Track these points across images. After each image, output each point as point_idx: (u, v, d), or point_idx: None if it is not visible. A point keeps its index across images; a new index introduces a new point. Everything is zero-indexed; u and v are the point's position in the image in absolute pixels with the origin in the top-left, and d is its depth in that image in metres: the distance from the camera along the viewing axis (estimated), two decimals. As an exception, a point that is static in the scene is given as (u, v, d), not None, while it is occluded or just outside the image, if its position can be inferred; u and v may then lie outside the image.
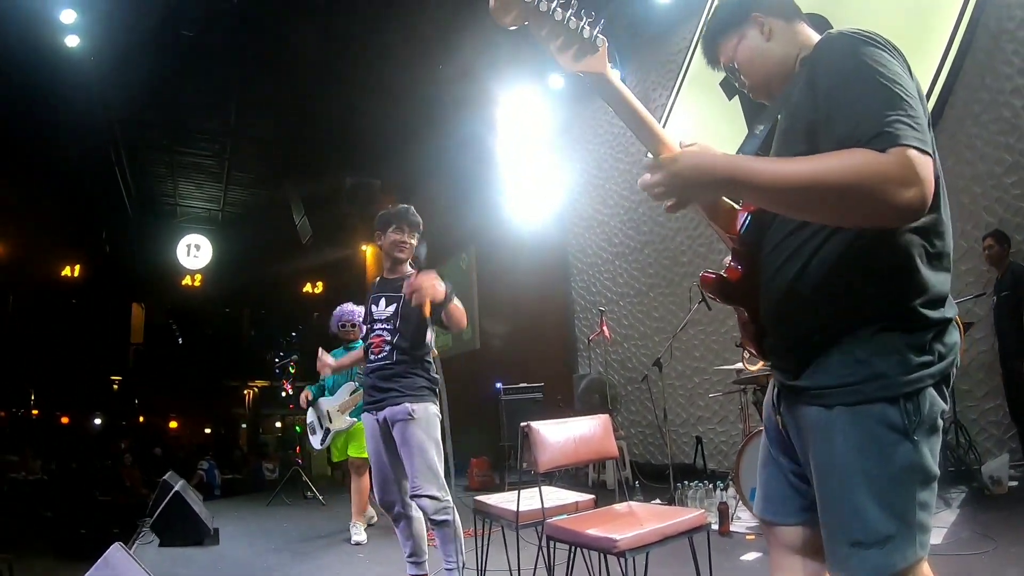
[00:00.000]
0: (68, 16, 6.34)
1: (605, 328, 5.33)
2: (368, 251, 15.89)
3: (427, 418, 2.69)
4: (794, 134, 1.17)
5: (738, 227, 1.27)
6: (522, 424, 2.71)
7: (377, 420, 2.73)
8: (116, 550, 2.56)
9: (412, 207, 3.01)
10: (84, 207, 11.16)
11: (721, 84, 6.06)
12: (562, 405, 6.73)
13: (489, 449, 7.27)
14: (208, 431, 16.82)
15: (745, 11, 1.32)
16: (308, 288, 16.27)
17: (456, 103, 8.93)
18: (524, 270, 8.60)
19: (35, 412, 13.67)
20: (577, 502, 2.88)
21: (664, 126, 6.53)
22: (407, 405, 2.66)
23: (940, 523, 3.40)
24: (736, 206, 1.33)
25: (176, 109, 8.81)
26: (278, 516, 5.80)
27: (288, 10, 7.23)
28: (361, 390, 3.84)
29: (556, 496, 2.96)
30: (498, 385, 7.13)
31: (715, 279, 1.30)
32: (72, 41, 6.50)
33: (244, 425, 17.32)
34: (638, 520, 2.32)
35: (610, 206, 7.46)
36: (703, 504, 4.12)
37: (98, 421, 15.13)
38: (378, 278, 3.01)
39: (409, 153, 10.37)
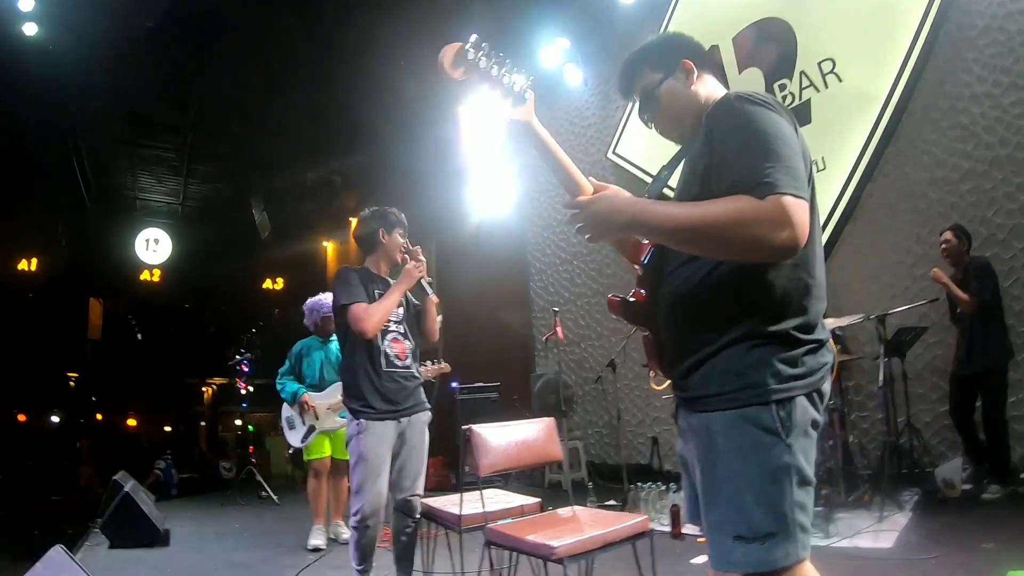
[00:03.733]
0: (26, 3, 6.09)
1: (559, 329, 5.37)
2: (329, 247, 15.68)
3: None
4: (693, 178, 1.31)
5: (642, 258, 1.43)
6: (463, 427, 2.72)
7: (396, 427, 2.70)
8: (57, 552, 2.53)
9: None
10: (41, 199, 10.78)
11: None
12: (518, 405, 6.75)
13: (444, 448, 7.25)
14: (168, 428, 16.42)
15: (679, 54, 1.44)
16: (268, 284, 15.95)
17: (417, 99, 8.88)
18: (484, 267, 8.59)
19: None
20: (523, 506, 2.91)
21: (624, 127, 6.61)
22: (428, 412, 2.88)
23: (891, 527, 3.44)
24: (642, 240, 1.48)
25: (137, 101, 8.58)
26: (231, 517, 5.73)
27: (251, 5, 7.09)
28: None
29: (502, 499, 3.00)
30: (453, 385, 7.12)
31: (620, 302, 1.45)
32: (30, 29, 6.27)
33: (203, 423, 16.96)
34: (579, 526, 2.35)
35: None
36: (655, 506, 4.16)
37: (55, 419, 14.64)
38: (364, 269, 2.86)
39: (370, 149, 10.27)
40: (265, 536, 4.70)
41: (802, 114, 5.07)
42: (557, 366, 5.90)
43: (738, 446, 1.18)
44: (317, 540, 4.07)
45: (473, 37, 1.19)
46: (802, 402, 1.19)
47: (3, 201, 10.09)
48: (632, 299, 1.44)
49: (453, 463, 6.90)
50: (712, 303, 1.25)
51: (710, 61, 1.47)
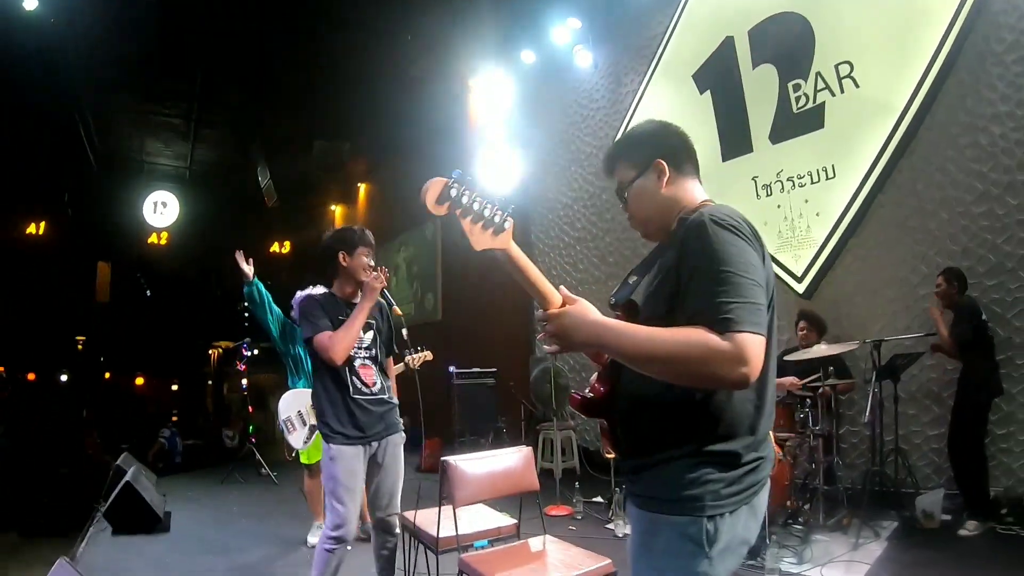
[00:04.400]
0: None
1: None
2: (337, 211, 15.76)
3: None
4: (660, 296, 1.36)
5: (606, 358, 1.50)
6: (441, 459, 2.81)
7: (366, 451, 2.77)
8: (62, 566, 2.66)
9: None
10: (47, 164, 10.88)
11: (694, 76, 6.02)
12: (515, 391, 6.85)
13: (442, 430, 7.42)
14: (175, 388, 16.90)
15: (652, 153, 1.46)
16: (276, 248, 16.12)
17: (425, 74, 8.78)
18: None
19: (1, 369, 13.61)
20: (499, 528, 3.03)
21: (634, 112, 6.49)
22: (401, 434, 2.93)
23: (864, 558, 3.46)
24: None
25: (141, 71, 8.52)
26: (230, 497, 5.97)
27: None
28: None
29: (479, 519, 3.11)
30: (451, 368, 7.23)
31: (580, 400, 1.52)
32: (30, 4, 6.29)
33: (210, 382, 17.42)
34: (545, 567, 2.45)
35: (575, 189, 7.44)
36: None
37: (64, 378, 15.10)
38: (329, 295, 2.89)
39: (378, 118, 10.22)
40: (262, 523, 4.88)
41: (815, 118, 4.96)
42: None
43: (664, 550, 1.30)
44: (315, 537, 4.18)
45: (456, 172, 1.23)
46: (731, 517, 1.28)
47: (10, 167, 10.21)
48: (591, 395, 1.50)
49: (448, 444, 7.04)
50: (665, 416, 1.32)
51: (689, 163, 1.48)
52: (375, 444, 2.79)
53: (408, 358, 3.88)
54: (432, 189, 1.21)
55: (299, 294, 4.52)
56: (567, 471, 5.90)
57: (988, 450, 4.01)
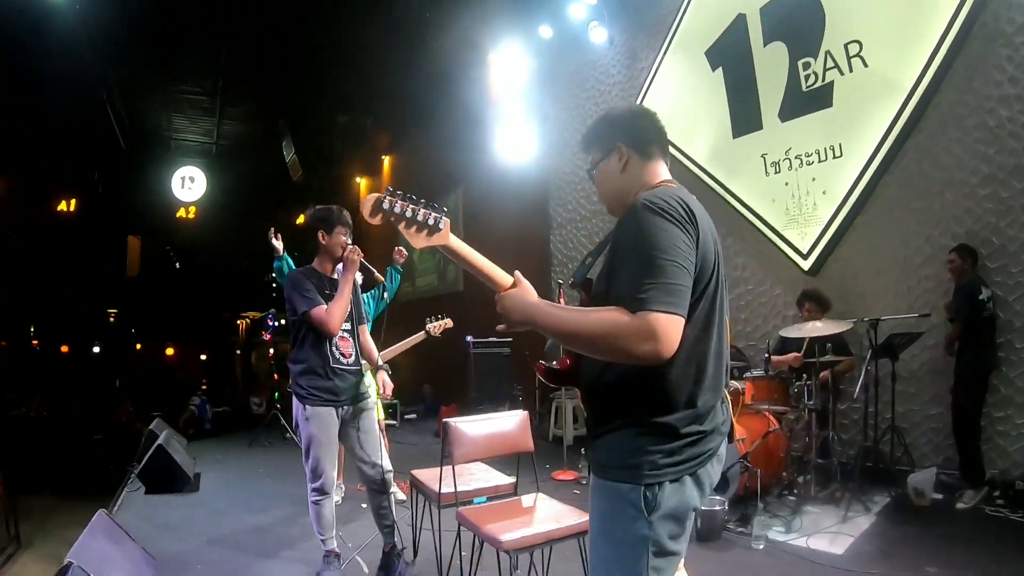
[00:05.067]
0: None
1: (562, 300, 5.62)
2: (362, 183, 16.04)
3: None
4: (603, 274, 1.49)
5: None
6: (443, 420, 3.09)
7: (338, 412, 3.06)
8: (101, 518, 3.02)
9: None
10: (76, 143, 11.35)
11: (706, 53, 6.08)
12: (529, 361, 7.11)
13: (460, 397, 7.74)
14: (204, 357, 17.63)
15: (613, 137, 1.57)
16: (302, 220, 16.56)
17: (445, 49, 8.93)
18: (508, 215, 8.88)
19: (35, 343, 14.41)
20: (497, 486, 3.30)
21: (648, 88, 6.57)
22: (373, 399, 3.20)
23: (851, 531, 3.60)
24: None
25: (166, 49, 8.86)
26: (256, 459, 6.39)
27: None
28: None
29: (481, 476, 3.39)
30: (468, 338, 7.52)
31: (545, 369, 1.67)
32: None
33: (238, 352, 18.12)
34: (531, 520, 2.71)
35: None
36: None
37: (96, 349, 15.88)
38: (312, 270, 3.12)
39: (400, 93, 10.42)
40: (286, 483, 5.23)
41: (824, 96, 5.02)
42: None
43: (610, 511, 1.42)
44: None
45: (388, 189, 1.40)
46: (672, 486, 1.37)
47: (40, 146, 10.70)
48: (556, 366, 1.65)
49: (466, 412, 7.35)
50: (610, 390, 1.44)
51: (654, 145, 1.56)
52: (347, 408, 3.09)
53: (429, 326, 4.16)
54: (366, 204, 1.39)
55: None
56: (578, 438, 6.17)
57: (986, 432, 4.14)
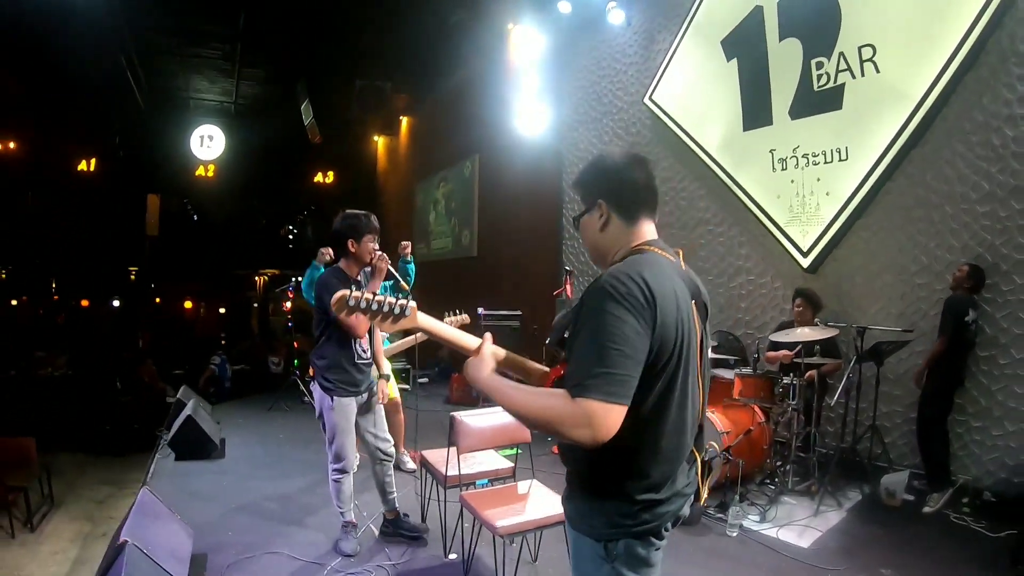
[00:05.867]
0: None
1: (569, 287, 5.95)
2: (380, 141, 16.27)
3: None
4: (571, 336, 1.48)
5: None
6: (451, 414, 3.48)
7: (357, 400, 3.51)
8: (145, 495, 3.47)
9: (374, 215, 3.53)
10: (96, 104, 11.62)
11: (722, 42, 6.17)
12: (537, 334, 7.48)
13: (470, 366, 8.15)
14: (223, 311, 18.26)
15: (596, 193, 1.60)
16: (319, 178, 16.89)
17: (466, 19, 9.03)
18: (521, 185, 9.16)
19: (55, 297, 15.05)
20: (497, 469, 3.72)
21: (665, 71, 6.68)
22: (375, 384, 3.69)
23: (821, 525, 3.89)
24: (546, 369, 1.87)
25: (184, 12, 9.01)
26: (276, 424, 6.88)
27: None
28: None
29: (484, 460, 3.80)
30: (480, 310, 7.91)
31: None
32: None
33: (256, 304, 18.73)
34: (524, 507, 3.10)
35: (605, 142, 7.75)
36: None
37: (116, 303, 16.52)
38: (339, 270, 3.41)
39: (419, 59, 10.55)
40: (306, 449, 5.66)
41: (834, 98, 5.14)
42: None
43: (578, 552, 1.58)
44: (407, 458, 5.01)
45: (351, 289, 1.62)
46: (629, 543, 1.49)
47: (60, 107, 10.98)
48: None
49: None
50: (575, 453, 1.54)
51: (639, 205, 1.58)
52: (364, 395, 3.56)
53: (448, 320, 4.50)
54: (338, 303, 1.61)
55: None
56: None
57: (962, 440, 4.40)
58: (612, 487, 1.49)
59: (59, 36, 8.78)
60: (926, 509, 4.18)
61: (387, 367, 3.85)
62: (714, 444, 4.19)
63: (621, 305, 1.37)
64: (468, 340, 1.74)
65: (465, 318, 4.62)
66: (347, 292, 1.61)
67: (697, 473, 1.63)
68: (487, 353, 1.63)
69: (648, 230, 1.60)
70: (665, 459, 1.50)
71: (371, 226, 3.39)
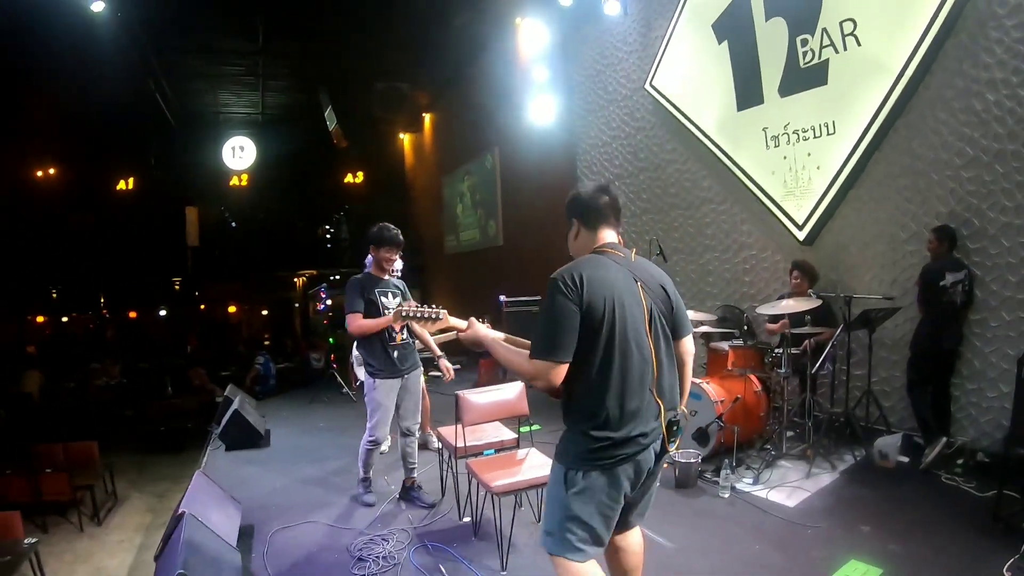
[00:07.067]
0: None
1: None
2: (406, 139, 16.84)
3: None
4: None
5: None
6: (456, 392, 3.98)
7: (396, 380, 4.10)
8: (199, 477, 4.07)
9: (399, 230, 4.15)
10: (130, 128, 12.54)
11: (713, 26, 6.44)
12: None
13: (493, 354, 8.67)
14: (265, 312, 19.28)
15: (570, 213, 2.24)
16: (349, 178, 17.64)
17: (476, 14, 9.46)
18: (540, 175, 9.63)
19: (104, 312, 16.25)
20: (502, 440, 4.21)
21: (662, 57, 6.99)
22: (420, 368, 4.31)
23: (811, 487, 4.13)
24: None
25: (205, 34, 9.71)
26: (316, 414, 7.54)
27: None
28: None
29: (492, 432, 4.30)
30: (501, 298, 8.42)
31: None
32: (97, 7, 7.75)
33: (296, 304, 19.71)
34: (519, 470, 3.57)
35: (613, 128, 8.11)
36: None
37: (163, 313, 17.71)
38: (370, 274, 4.15)
39: (435, 58, 11.01)
40: (344, 434, 6.25)
41: (819, 74, 5.38)
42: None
43: (553, 479, 2.10)
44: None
45: (402, 305, 2.38)
46: (591, 475, 1.95)
47: (96, 133, 11.90)
48: None
49: (499, 365, 8.28)
50: (562, 403, 2.08)
51: (600, 220, 2.14)
52: (405, 377, 4.14)
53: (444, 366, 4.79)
54: (395, 315, 2.38)
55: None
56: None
57: (959, 402, 4.60)
58: (573, 425, 2.03)
59: (89, 68, 9.62)
60: (924, 462, 4.37)
61: (438, 350, 4.41)
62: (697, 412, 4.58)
63: (559, 293, 1.96)
64: (456, 322, 2.43)
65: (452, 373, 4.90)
66: (400, 307, 2.48)
67: (662, 427, 2.02)
68: (474, 321, 2.37)
69: (606, 235, 2.17)
70: (614, 403, 1.95)
71: (390, 239, 4.05)
